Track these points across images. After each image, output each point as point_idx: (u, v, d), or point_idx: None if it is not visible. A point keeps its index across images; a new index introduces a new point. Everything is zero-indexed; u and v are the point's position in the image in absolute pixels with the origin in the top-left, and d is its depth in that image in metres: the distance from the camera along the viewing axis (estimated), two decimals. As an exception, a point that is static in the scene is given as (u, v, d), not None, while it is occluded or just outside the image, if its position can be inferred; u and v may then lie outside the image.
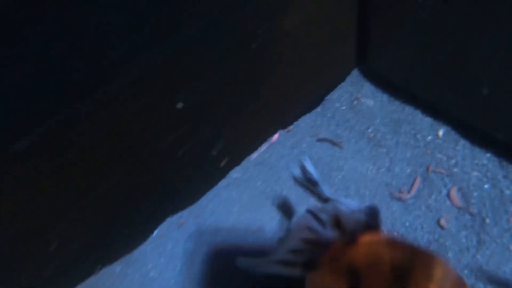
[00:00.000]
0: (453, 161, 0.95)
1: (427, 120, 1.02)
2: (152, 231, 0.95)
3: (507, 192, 0.88)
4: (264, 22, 0.81)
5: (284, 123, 1.07)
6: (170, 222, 0.96)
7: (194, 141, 0.87)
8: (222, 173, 1.01)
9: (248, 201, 0.97)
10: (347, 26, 1.03)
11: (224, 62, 0.80)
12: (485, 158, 0.94)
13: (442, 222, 0.88)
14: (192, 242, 0.93)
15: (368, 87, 1.12)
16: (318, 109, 1.11)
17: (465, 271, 0.82)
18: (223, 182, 1.01)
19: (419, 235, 0.88)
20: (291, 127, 1.08)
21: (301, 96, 1.06)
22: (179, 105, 0.78)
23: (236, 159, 1.02)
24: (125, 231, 0.88)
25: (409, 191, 0.94)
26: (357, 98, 1.10)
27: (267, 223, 0.93)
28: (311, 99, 1.10)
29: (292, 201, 0.96)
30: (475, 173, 0.93)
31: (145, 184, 0.85)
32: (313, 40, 0.97)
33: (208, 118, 0.87)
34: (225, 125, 0.93)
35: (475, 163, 0.94)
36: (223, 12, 0.73)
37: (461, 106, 0.93)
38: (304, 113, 1.10)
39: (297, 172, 0.77)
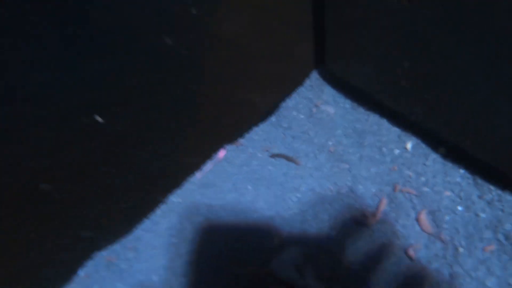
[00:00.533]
0: (423, 179, 0.84)
1: (394, 131, 0.90)
2: (75, 271, 0.80)
3: (482, 215, 0.77)
4: (190, 31, 0.66)
5: (232, 137, 0.92)
6: (99, 259, 0.81)
7: (124, 165, 0.72)
8: (160, 198, 0.87)
9: (190, 231, 0.83)
10: (301, 24, 0.89)
11: (150, 76, 0.65)
12: (458, 175, 0.82)
13: (411, 252, 0.77)
14: (123, 283, 0.79)
15: (329, 92, 0.98)
16: (273, 118, 0.97)
17: (436, 312, 0.71)
18: (162, 208, 0.87)
19: (385, 266, 0.76)
20: (241, 140, 0.94)
21: (252, 105, 0.92)
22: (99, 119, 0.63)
23: (176, 181, 0.88)
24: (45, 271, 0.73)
25: (374, 215, 0.82)
26: (316, 105, 0.96)
27: (211, 255, 0.80)
28: (264, 108, 0.96)
29: (240, 229, 0.82)
30: (447, 193, 0.81)
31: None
32: (262, 42, 0.82)
33: (139, 139, 0.72)
34: (160, 144, 0.78)
35: (447, 181, 0.82)
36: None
37: (430, 117, 0.81)
38: (256, 124, 0.96)
39: None
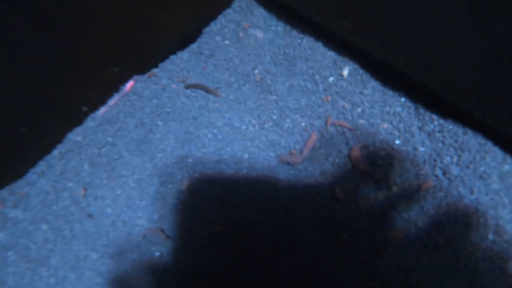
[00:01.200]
0: (359, 110, 0.72)
1: (330, 56, 0.76)
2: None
3: (421, 149, 0.66)
4: None
5: (142, 67, 0.78)
6: (-21, 207, 0.70)
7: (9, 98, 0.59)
8: (57, 137, 0.74)
9: (91, 173, 0.72)
10: None
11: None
12: (399, 104, 0.70)
13: (338, 193, 0.66)
14: (8, 236, 0.68)
15: (259, 14, 0.84)
16: (194, 45, 0.83)
17: (361, 258, 0.61)
18: (59, 148, 0.74)
19: (310, 211, 0.66)
20: (155, 70, 0.80)
21: (167, 29, 0.77)
22: None
23: (75, 117, 0.75)
24: None
25: (301, 152, 0.71)
26: (244, 29, 0.82)
27: (110, 201, 0.69)
28: (183, 33, 0.81)
29: (144, 171, 0.71)
30: (384, 125, 0.69)
31: None
32: None
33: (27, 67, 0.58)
34: (54, 73, 0.64)
35: (386, 112, 0.70)
36: None
37: (369, 38, 0.67)
38: (173, 51, 0.81)
39: None
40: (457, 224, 0.60)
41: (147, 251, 0.65)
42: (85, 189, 0.70)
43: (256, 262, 0.63)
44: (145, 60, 0.78)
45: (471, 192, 0.61)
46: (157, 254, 0.65)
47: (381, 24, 0.63)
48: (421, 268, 0.59)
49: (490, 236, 0.58)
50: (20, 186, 0.72)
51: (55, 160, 0.73)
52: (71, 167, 0.72)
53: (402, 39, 0.62)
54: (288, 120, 0.73)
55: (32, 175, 0.73)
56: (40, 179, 0.72)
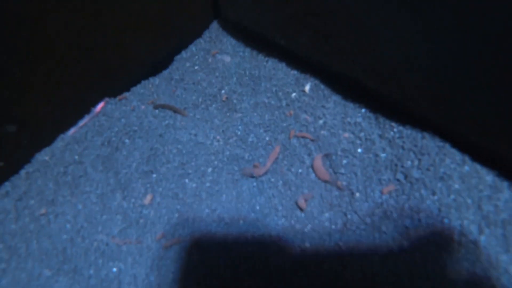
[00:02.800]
0: (321, 122, 0.73)
1: (293, 74, 0.79)
2: None
3: (382, 155, 0.66)
4: None
5: (113, 90, 0.81)
6: None
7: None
8: (25, 157, 0.75)
9: (54, 191, 0.71)
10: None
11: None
12: (359, 115, 0.71)
13: (301, 202, 0.65)
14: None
15: (228, 42, 0.88)
16: (166, 71, 0.86)
17: (324, 266, 0.58)
18: (26, 168, 0.75)
19: (272, 221, 0.64)
20: (126, 94, 0.83)
21: (141, 56, 0.82)
22: None
23: (45, 138, 0.76)
24: None
25: (264, 165, 0.70)
26: (213, 55, 0.86)
27: (70, 217, 0.67)
28: (156, 60, 0.85)
29: (108, 186, 0.70)
30: (346, 135, 0.70)
31: None
32: None
33: None
34: (24, 97, 0.67)
35: (347, 122, 0.71)
36: None
37: (326, 51, 0.70)
38: (146, 77, 0.85)
39: None
40: (421, 226, 0.58)
41: (104, 267, 0.63)
42: (47, 207, 0.69)
43: (213, 277, 0.60)
44: (116, 84, 0.81)
45: (433, 194, 0.59)
46: (114, 270, 0.63)
47: (335, 37, 0.66)
48: (387, 274, 0.56)
49: (456, 237, 0.56)
50: (-17, 206, 0.71)
51: (21, 181, 0.73)
52: (36, 186, 0.72)
53: (356, 49, 0.65)
54: (252, 135, 0.74)
55: (-4, 195, 0.72)
56: (3, 199, 0.72)
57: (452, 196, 0.58)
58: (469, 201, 0.57)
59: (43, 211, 0.69)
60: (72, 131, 0.78)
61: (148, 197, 0.69)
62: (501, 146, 0.56)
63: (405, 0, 0.52)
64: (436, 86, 0.59)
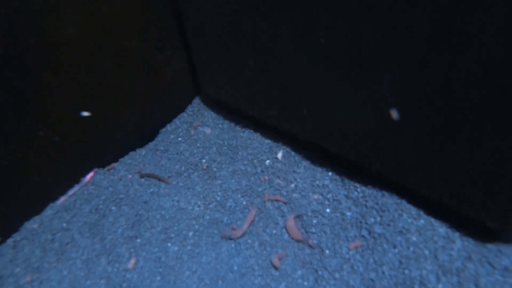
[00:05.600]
0: (293, 186, 0.80)
1: (267, 143, 0.88)
2: None
3: (348, 214, 0.72)
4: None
5: (103, 161, 0.88)
6: None
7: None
8: (14, 225, 0.79)
9: (41, 258, 0.74)
10: (174, 49, 0.92)
11: None
12: (327, 178, 0.79)
13: (275, 261, 0.69)
14: None
15: (208, 115, 0.98)
16: (152, 143, 0.94)
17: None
18: (14, 237, 0.78)
19: (249, 281, 0.68)
20: (114, 164, 0.90)
21: (128, 130, 0.90)
22: None
23: (34, 208, 0.81)
24: None
25: (241, 227, 0.76)
26: (195, 127, 0.95)
27: (61, 286, 0.70)
28: (143, 134, 0.94)
29: (94, 252, 0.74)
30: (315, 196, 0.77)
31: None
32: (137, 81, 0.85)
33: None
34: (14, 171, 0.74)
35: (316, 185, 0.78)
36: None
37: (291, 121, 0.80)
38: (133, 149, 0.93)
39: None
40: (385, 279, 0.62)
41: (85, 332, 0.64)
42: (32, 274, 0.72)
43: None
44: (106, 155, 0.88)
45: (394, 247, 0.65)
46: (95, 335, 0.64)
47: (297, 108, 0.76)
48: (354, 326, 0.59)
49: (416, 287, 0.60)
50: (-32, 276, 0.73)
51: (8, 249, 0.76)
52: (22, 254, 0.75)
53: (315, 119, 0.74)
54: (230, 200, 0.80)
55: (-17, 264, 0.75)
56: (-10, 268, 0.74)
57: (411, 248, 0.64)
58: (426, 252, 0.63)
59: (28, 279, 0.71)
60: (61, 199, 0.83)
61: (132, 261, 0.72)
62: (449, 200, 0.63)
63: (348, 75, 0.62)
64: (384, 146, 0.67)
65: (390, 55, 0.54)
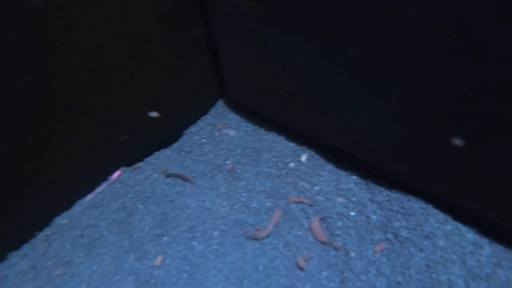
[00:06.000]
0: (317, 188, 0.80)
1: (291, 146, 0.89)
2: None
3: (373, 217, 0.73)
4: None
5: (129, 160, 0.90)
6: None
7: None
8: (45, 220, 0.81)
9: (71, 253, 0.76)
10: (201, 54, 0.94)
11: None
12: (351, 181, 0.80)
13: (300, 262, 0.70)
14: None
15: (232, 118, 1.00)
16: (176, 144, 0.96)
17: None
18: (46, 231, 0.80)
19: (274, 281, 0.69)
20: (140, 164, 0.91)
21: (154, 131, 0.92)
22: None
23: (65, 204, 0.83)
24: None
25: (266, 228, 0.77)
26: (218, 130, 0.97)
27: (91, 281, 0.71)
28: (167, 134, 0.96)
29: (122, 248, 0.75)
30: (340, 200, 0.77)
31: None
32: (166, 84, 0.87)
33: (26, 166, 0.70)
34: (47, 167, 0.76)
35: (340, 188, 0.79)
36: None
37: (315, 126, 0.81)
38: (158, 149, 0.94)
39: None
40: (412, 281, 0.63)
41: (114, 326, 0.66)
42: (63, 268, 0.73)
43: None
44: (132, 155, 0.90)
45: (421, 251, 0.65)
46: (123, 329, 0.65)
47: (321, 113, 0.77)
48: (381, 328, 0.59)
49: (444, 291, 0.60)
50: (0, 269, 0.75)
51: (40, 242, 0.78)
52: (53, 248, 0.77)
53: (339, 124, 0.75)
54: (255, 201, 0.81)
55: (14, 257, 0.77)
56: (22, 260, 0.76)
57: (439, 253, 0.64)
58: (454, 257, 0.63)
59: (59, 272, 0.73)
60: (90, 197, 0.85)
61: (159, 259, 0.74)
62: (477, 206, 0.63)
63: (374, 86, 0.63)
64: (405, 151, 0.68)
65: (415, 71, 0.55)
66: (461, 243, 0.64)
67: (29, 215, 0.78)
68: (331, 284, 0.67)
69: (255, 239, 0.76)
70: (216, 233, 0.77)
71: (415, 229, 0.68)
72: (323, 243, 0.73)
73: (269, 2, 0.69)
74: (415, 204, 0.71)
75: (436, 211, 0.69)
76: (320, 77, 0.71)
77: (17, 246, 0.78)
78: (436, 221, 0.68)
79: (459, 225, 0.67)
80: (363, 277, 0.66)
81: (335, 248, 0.71)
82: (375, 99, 0.64)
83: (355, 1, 0.55)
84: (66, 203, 0.83)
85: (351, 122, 0.72)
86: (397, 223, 0.70)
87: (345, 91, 0.68)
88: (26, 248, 0.78)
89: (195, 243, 0.76)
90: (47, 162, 0.77)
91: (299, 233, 0.75)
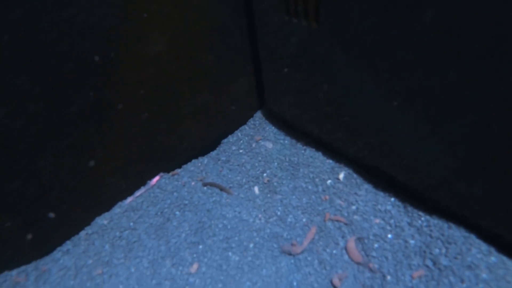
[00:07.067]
0: (354, 208, 0.80)
1: (328, 163, 0.89)
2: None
3: (412, 242, 0.72)
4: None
5: (168, 167, 0.93)
6: (4, 279, 0.76)
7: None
8: (87, 219, 0.84)
9: (110, 253, 0.79)
10: (244, 66, 0.96)
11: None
12: (389, 203, 0.79)
13: (335, 281, 0.70)
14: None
15: (270, 130, 1.01)
16: (213, 152, 0.98)
17: None
18: (87, 230, 0.83)
19: (308, 299, 0.69)
20: (178, 170, 0.94)
21: (193, 139, 0.94)
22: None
23: (105, 205, 0.86)
24: None
25: (301, 244, 0.77)
26: (256, 141, 0.98)
27: (128, 282, 0.74)
28: (205, 143, 0.98)
29: (159, 253, 0.77)
30: (377, 221, 0.77)
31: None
32: (207, 91, 0.89)
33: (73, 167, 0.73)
34: (89, 168, 0.79)
35: (378, 209, 0.79)
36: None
37: (358, 146, 0.81)
38: (196, 157, 0.96)
39: None
40: (451, 312, 0.62)
41: (149, 330, 0.67)
42: (103, 267, 0.76)
43: None
44: (171, 162, 0.93)
45: (462, 282, 0.64)
46: (158, 334, 0.67)
47: (365, 134, 0.77)
48: None
49: (484, 325, 0.59)
50: (44, 263, 0.78)
51: (81, 241, 0.81)
52: (94, 247, 0.80)
53: (383, 146, 0.75)
54: (291, 216, 0.82)
55: (57, 253, 0.80)
56: (64, 256, 0.79)
57: (481, 285, 0.63)
58: (496, 290, 0.62)
59: (99, 271, 0.75)
60: (129, 200, 0.87)
61: (195, 266, 0.75)
62: (523, 240, 0.62)
63: (425, 115, 0.63)
64: (455, 180, 0.67)
65: (476, 106, 0.54)
66: (506, 278, 0.63)
67: (73, 213, 0.81)
68: (366, 307, 0.66)
69: (290, 254, 0.76)
70: (251, 245, 0.78)
71: (455, 258, 0.67)
72: (358, 263, 0.72)
73: (322, 24, 0.70)
74: (456, 232, 0.70)
75: (478, 241, 0.68)
76: (367, 98, 0.71)
77: (60, 242, 0.82)
78: (479, 252, 0.67)
79: (504, 258, 0.65)
80: (400, 303, 0.65)
81: (371, 270, 0.71)
82: (426, 127, 0.63)
83: (416, 30, 0.55)
84: (107, 204, 0.86)
85: (396, 146, 0.71)
86: (437, 250, 0.69)
87: (395, 116, 0.68)
88: (68, 244, 0.81)
89: (230, 253, 0.77)
90: (98, 163, 0.80)
91: (334, 251, 0.75)
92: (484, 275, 0.63)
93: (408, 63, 0.60)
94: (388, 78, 0.65)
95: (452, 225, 0.71)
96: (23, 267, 0.78)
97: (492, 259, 0.65)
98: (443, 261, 0.67)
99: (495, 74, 0.51)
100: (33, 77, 0.63)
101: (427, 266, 0.68)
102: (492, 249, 0.66)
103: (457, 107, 0.58)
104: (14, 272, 0.77)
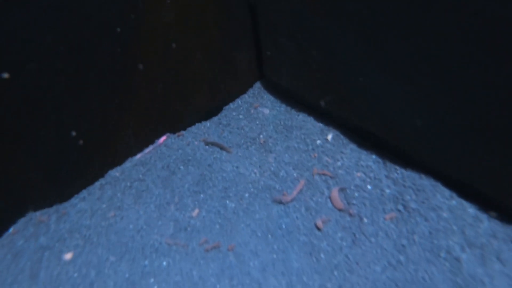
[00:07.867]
0: (339, 163, 0.90)
1: (319, 126, 0.99)
2: (7, 228, 0.85)
3: (387, 191, 0.82)
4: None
5: (174, 128, 1.03)
6: (30, 218, 0.87)
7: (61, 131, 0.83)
8: (101, 172, 0.95)
9: (121, 200, 0.89)
10: (246, 40, 1.05)
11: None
12: (371, 160, 0.89)
13: (319, 223, 0.80)
14: (47, 239, 0.83)
15: (267, 99, 1.10)
16: (216, 117, 1.08)
17: (335, 272, 0.72)
18: (101, 181, 0.94)
19: (294, 237, 0.79)
20: (183, 132, 1.04)
21: (197, 107, 1.04)
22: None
23: (118, 160, 0.96)
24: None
25: (291, 194, 0.87)
26: (255, 108, 1.08)
27: (138, 222, 0.84)
28: (209, 109, 1.08)
29: (165, 197, 0.88)
30: (359, 174, 0.87)
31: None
32: (211, 63, 0.99)
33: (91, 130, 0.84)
34: (106, 130, 0.90)
35: (360, 165, 0.88)
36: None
37: (343, 110, 0.90)
38: (199, 121, 1.07)
39: None
40: (415, 244, 0.72)
41: (157, 260, 0.78)
42: (115, 211, 0.87)
43: None
44: (177, 124, 1.03)
45: (426, 220, 0.74)
46: (164, 263, 0.78)
47: (351, 98, 0.87)
48: (384, 279, 0.69)
49: (443, 255, 0.69)
50: (64, 207, 0.89)
51: (96, 190, 0.92)
52: (107, 195, 0.90)
53: (367, 108, 0.85)
54: (283, 171, 0.92)
55: (75, 199, 0.91)
56: (81, 202, 0.90)
57: (442, 223, 0.73)
58: (454, 227, 0.72)
59: (112, 213, 0.86)
60: (139, 155, 0.98)
61: (196, 211, 0.86)
62: (482, 186, 0.72)
63: (398, 72, 0.72)
64: (425, 134, 0.76)
65: (446, 71, 0.64)
66: (463, 216, 0.72)
67: (89, 166, 0.92)
68: (344, 243, 0.76)
69: (281, 202, 0.86)
70: (246, 194, 0.88)
71: (423, 202, 0.77)
72: (340, 210, 0.82)
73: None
74: (425, 182, 0.79)
75: (443, 188, 0.77)
76: (357, 64, 0.80)
77: (77, 190, 0.92)
78: (443, 197, 0.76)
79: (463, 201, 0.75)
80: (373, 239, 0.75)
81: (350, 215, 0.81)
82: (408, 88, 0.73)
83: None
84: (119, 159, 0.97)
85: (378, 107, 0.81)
86: (408, 197, 0.79)
87: (379, 81, 0.77)
88: (84, 193, 0.92)
89: (227, 201, 0.87)
90: (112, 123, 0.90)
91: (320, 200, 0.85)
92: (445, 215, 0.73)
93: (395, 32, 0.69)
94: (376, 47, 0.74)
95: (423, 176, 0.81)
96: (45, 210, 0.89)
97: (453, 202, 0.75)
98: (412, 205, 0.77)
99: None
100: (59, 37, 0.73)
101: (399, 210, 0.78)
102: (454, 194, 0.76)
103: (431, 67, 0.67)
104: (38, 213, 0.88)
